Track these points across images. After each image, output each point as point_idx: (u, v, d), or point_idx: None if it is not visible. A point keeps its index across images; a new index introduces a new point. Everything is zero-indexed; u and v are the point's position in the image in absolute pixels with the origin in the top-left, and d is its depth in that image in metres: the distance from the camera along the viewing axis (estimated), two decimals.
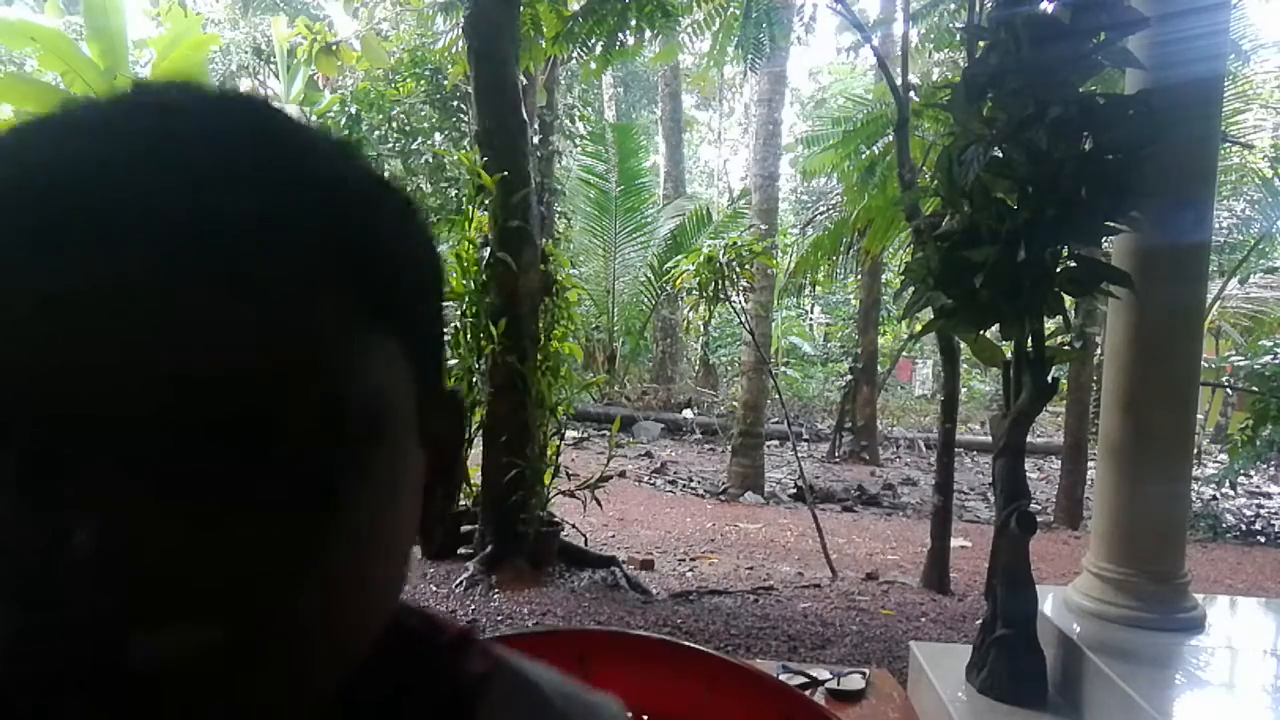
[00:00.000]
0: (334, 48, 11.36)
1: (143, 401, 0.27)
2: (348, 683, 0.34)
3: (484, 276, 5.07)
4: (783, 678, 2.99)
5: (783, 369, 16.77)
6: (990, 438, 3.02)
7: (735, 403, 10.68)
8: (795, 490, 9.76)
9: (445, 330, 0.40)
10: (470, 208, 5.31)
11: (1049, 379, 2.79)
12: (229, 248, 0.28)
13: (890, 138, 6.56)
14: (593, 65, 6.67)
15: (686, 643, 1.07)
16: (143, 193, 0.27)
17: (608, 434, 7.50)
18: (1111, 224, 2.69)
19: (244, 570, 0.28)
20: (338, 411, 0.30)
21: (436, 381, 0.37)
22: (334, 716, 0.35)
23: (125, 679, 0.27)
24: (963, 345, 5.00)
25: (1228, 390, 11.41)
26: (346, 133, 11.21)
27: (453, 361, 5.30)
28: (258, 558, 0.28)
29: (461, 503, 5.47)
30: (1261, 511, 10.11)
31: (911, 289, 2.98)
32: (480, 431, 5.23)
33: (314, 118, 12.64)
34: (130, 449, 0.27)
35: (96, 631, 0.27)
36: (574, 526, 5.70)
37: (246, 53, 15.83)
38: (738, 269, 6.70)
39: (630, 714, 0.59)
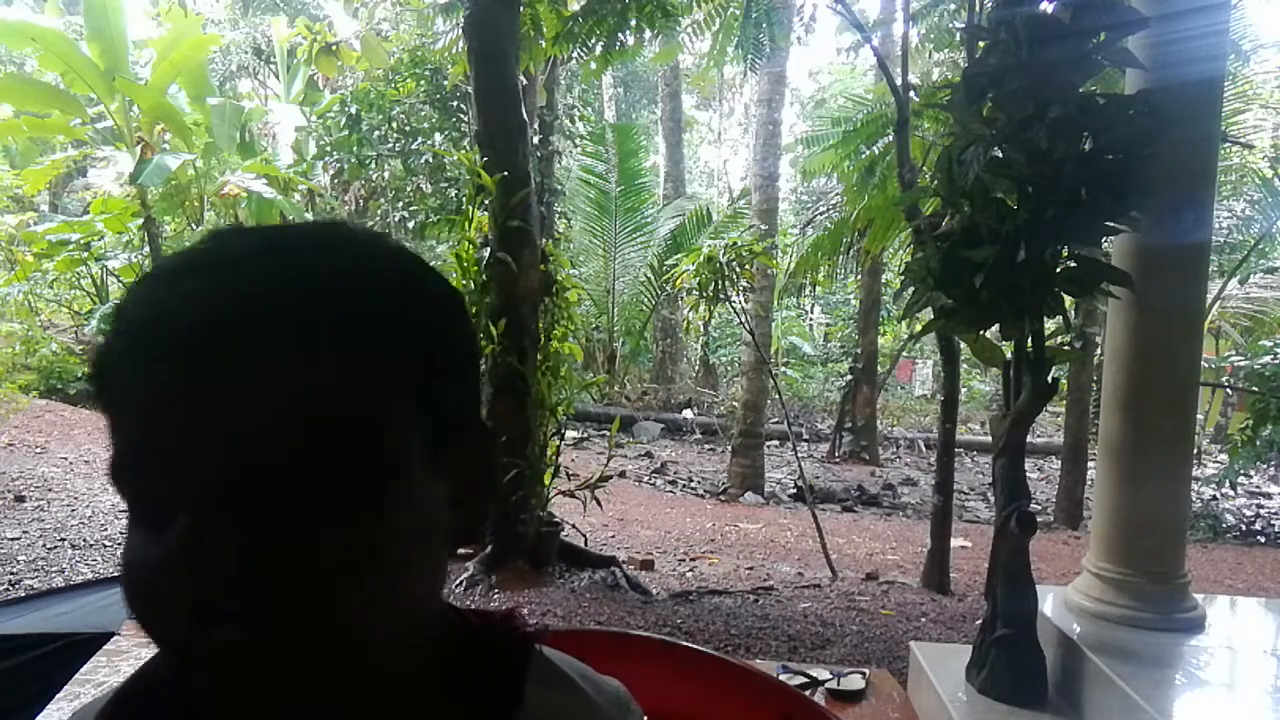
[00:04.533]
0: (334, 48, 11.37)
1: (220, 469, 0.39)
2: (424, 661, 0.49)
3: (484, 276, 5.06)
4: (783, 678, 2.98)
5: (783, 369, 16.76)
6: (990, 438, 3.02)
7: (735, 403, 10.68)
8: (795, 490, 9.76)
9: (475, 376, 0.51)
10: (470, 208, 5.31)
11: (1049, 379, 2.79)
12: (244, 354, 0.39)
13: (890, 138, 6.56)
14: (593, 65, 6.66)
15: (686, 643, 1.07)
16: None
17: (608, 434, 7.49)
18: (1111, 224, 2.69)
19: (288, 575, 0.39)
20: (328, 464, 0.40)
21: (460, 424, 0.48)
22: (415, 688, 0.48)
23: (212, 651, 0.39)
24: (963, 345, 5.00)
25: (1228, 390, 11.41)
26: (346, 133, 11.23)
27: None
28: (297, 570, 0.40)
29: None
30: (1261, 511, 10.11)
31: (911, 289, 2.97)
32: None
33: (314, 117, 12.66)
34: (202, 491, 0.39)
35: (188, 619, 0.39)
36: (574, 526, 5.70)
37: (246, 53, 15.83)
38: (738, 269, 6.70)
39: None
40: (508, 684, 0.53)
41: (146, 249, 12.15)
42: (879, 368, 12.89)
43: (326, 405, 0.40)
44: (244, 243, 0.43)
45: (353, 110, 11.20)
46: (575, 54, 6.34)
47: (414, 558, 0.45)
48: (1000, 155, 2.67)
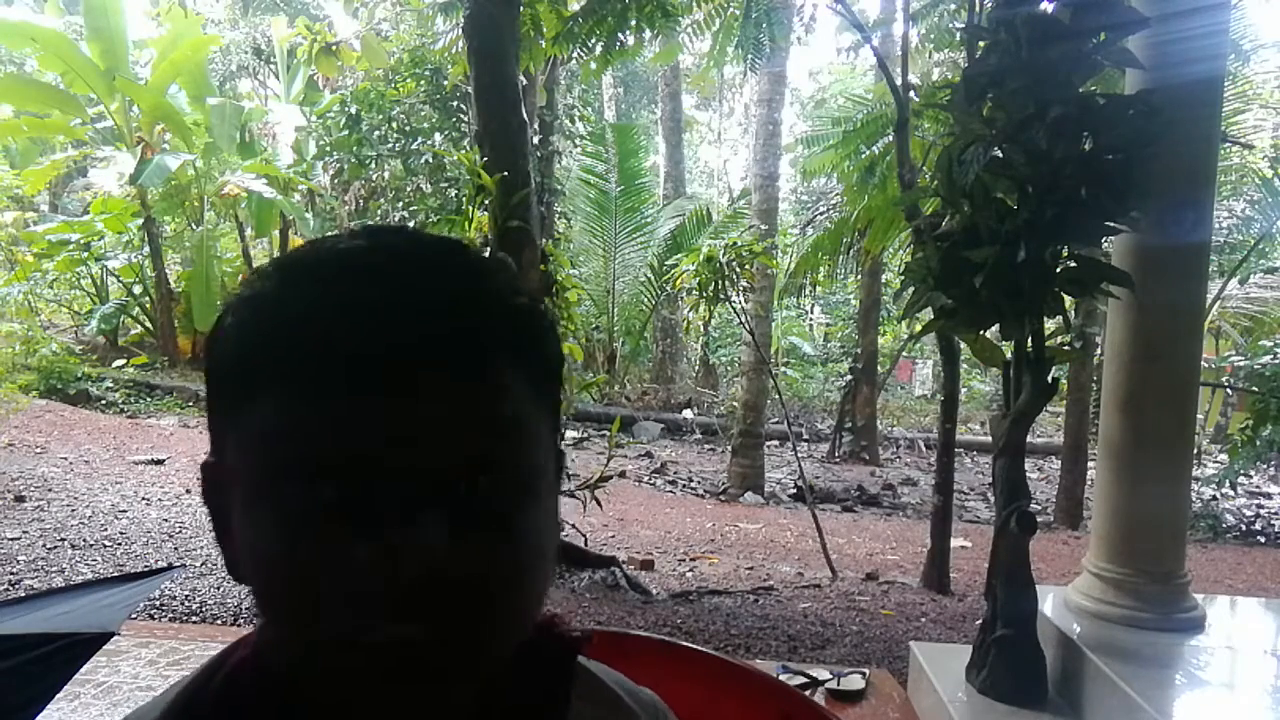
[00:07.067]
0: (334, 48, 11.36)
1: (422, 465, 0.40)
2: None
3: None
4: (783, 678, 2.99)
5: (783, 369, 16.76)
6: (990, 438, 3.02)
7: (735, 403, 10.67)
8: (795, 490, 9.75)
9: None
10: (470, 208, 5.31)
11: (1049, 379, 2.79)
12: (460, 366, 0.42)
13: (890, 138, 6.57)
14: (593, 65, 6.66)
15: (686, 643, 1.07)
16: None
17: (608, 434, 7.49)
18: (1111, 224, 2.69)
19: (469, 572, 0.41)
20: (522, 465, 0.44)
21: (558, 435, 0.51)
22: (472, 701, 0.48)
23: (381, 646, 0.40)
24: (963, 345, 5.00)
25: (1228, 390, 11.41)
26: (346, 133, 11.22)
27: None
28: (480, 566, 0.41)
29: None
30: (1261, 511, 10.11)
31: (911, 289, 2.97)
32: None
33: (314, 117, 12.66)
34: (414, 494, 0.40)
35: (370, 612, 0.40)
36: (574, 526, 5.69)
37: (246, 53, 15.84)
38: (738, 269, 6.70)
39: None
40: (554, 699, 0.52)
41: (146, 249, 12.16)
42: (879, 368, 12.88)
43: (517, 409, 0.44)
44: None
45: (353, 110, 11.20)
46: (575, 54, 6.34)
47: (551, 561, 0.47)
48: (1000, 155, 2.67)
